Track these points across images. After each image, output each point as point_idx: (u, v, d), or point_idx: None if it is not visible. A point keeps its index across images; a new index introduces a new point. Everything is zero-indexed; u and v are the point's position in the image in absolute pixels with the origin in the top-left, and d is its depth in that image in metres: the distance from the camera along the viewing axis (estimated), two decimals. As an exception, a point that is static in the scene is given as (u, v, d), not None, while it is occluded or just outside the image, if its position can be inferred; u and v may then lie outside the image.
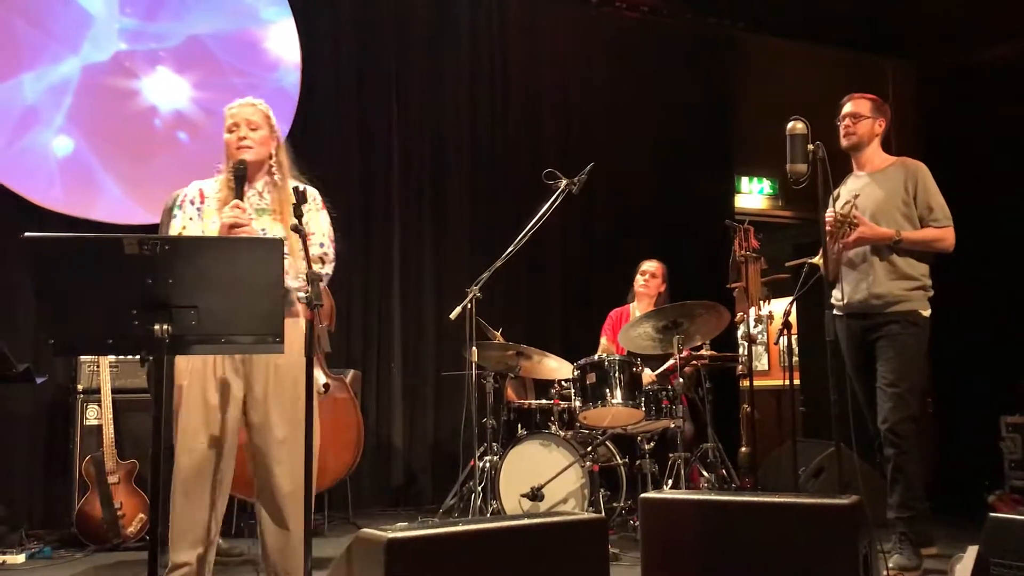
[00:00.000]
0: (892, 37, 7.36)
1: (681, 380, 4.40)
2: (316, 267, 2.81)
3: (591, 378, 4.38)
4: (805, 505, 2.59)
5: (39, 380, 3.81)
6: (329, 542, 4.50)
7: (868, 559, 2.55)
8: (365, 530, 2.12)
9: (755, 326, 5.32)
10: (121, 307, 2.15)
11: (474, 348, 4.21)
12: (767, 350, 8.78)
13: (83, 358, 4.58)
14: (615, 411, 4.33)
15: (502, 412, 4.79)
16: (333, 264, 3.07)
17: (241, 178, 2.86)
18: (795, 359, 5.83)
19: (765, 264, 5.16)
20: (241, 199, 2.83)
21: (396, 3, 6.20)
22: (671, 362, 4.47)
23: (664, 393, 4.41)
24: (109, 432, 4.38)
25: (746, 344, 5.02)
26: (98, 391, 4.48)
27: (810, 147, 3.28)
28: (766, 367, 8.89)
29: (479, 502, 4.39)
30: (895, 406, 3.65)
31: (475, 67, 6.45)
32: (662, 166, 6.93)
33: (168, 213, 3.57)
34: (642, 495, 2.81)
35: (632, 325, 4.42)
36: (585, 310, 6.39)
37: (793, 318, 5.17)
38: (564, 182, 4.32)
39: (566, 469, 4.24)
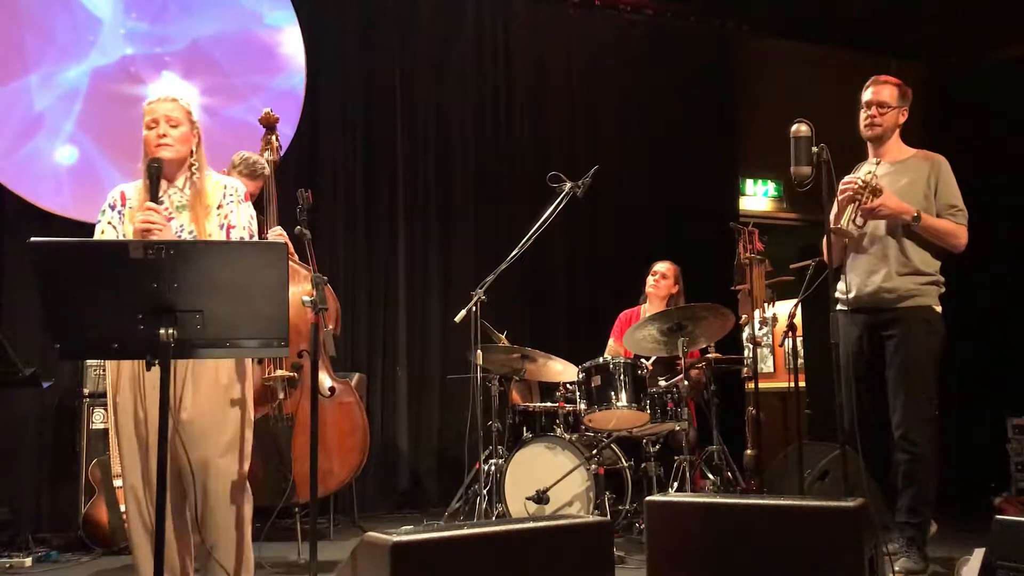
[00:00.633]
0: (897, 38, 7.35)
1: (686, 383, 4.39)
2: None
3: (596, 381, 4.38)
4: (811, 508, 2.58)
5: (45, 384, 3.81)
6: (334, 545, 4.51)
7: (874, 562, 2.55)
8: (370, 533, 2.12)
9: (760, 328, 5.31)
10: (127, 311, 2.16)
11: (479, 351, 4.21)
12: (772, 352, 8.76)
13: (89, 362, 4.59)
14: (620, 414, 4.32)
15: (507, 415, 4.79)
16: None
17: (155, 177, 2.77)
18: (800, 361, 5.82)
19: (770, 266, 5.15)
20: (156, 199, 2.75)
21: (401, 7, 6.21)
22: (680, 376, 4.46)
23: (669, 396, 4.41)
24: (115, 436, 4.38)
25: (751, 346, 5.00)
26: (104, 395, 4.48)
27: (814, 149, 3.26)
28: (771, 369, 8.87)
29: (484, 505, 4.39)
30: (909, 410, 3.57)
31: (480, 70, 6.46)
32: (666, 168, 6.93)
33: None
34: (647, 498, 2.80)
35: (637, 327, 4.41)
36: (590, 313, 6.40)
37: (798, 320, 5.17)
38: (568, 185, 4.32)
39: (571, 472, 4.24)
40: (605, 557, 2.43)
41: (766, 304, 5.14)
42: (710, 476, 4.75)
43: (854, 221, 3.61)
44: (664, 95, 6.98)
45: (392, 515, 5.64)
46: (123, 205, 2.88)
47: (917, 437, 3.57)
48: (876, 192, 3.58)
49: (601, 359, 4.46)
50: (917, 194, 3.67)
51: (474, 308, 4.21)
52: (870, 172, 3.68)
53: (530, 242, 4.33)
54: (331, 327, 4.54)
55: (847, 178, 3.64)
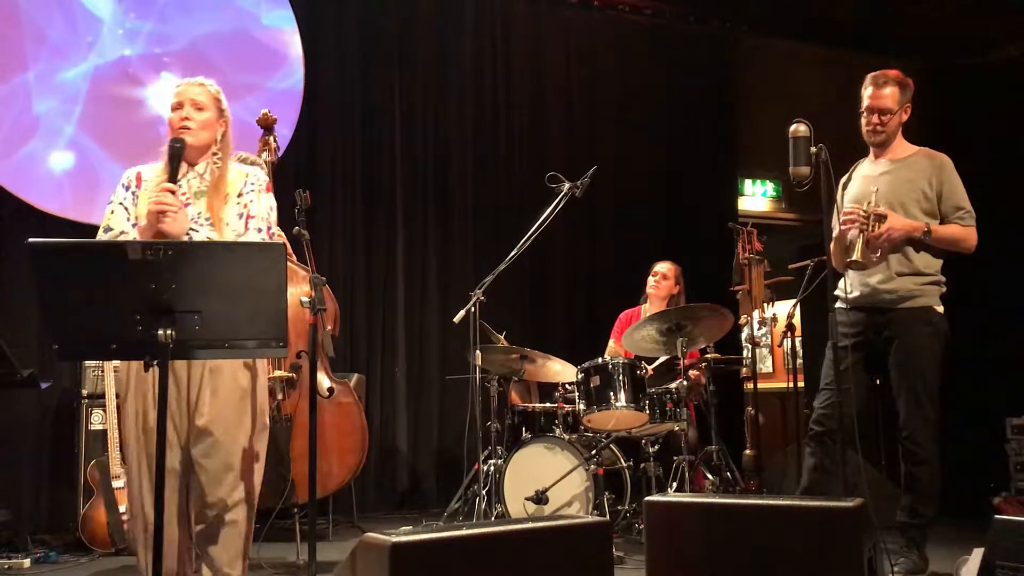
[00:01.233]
0: (897, 38, 7.35)
1: (685, 383, 4.39)
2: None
3: (595, 381, 4.37)
4: (810, 508, 2.58)
5: (44, 385, 3.81)
6: (333, 546, 4.50)
7: (873, 562, 2.55)
8: (369, 534, 2.12)
9: (759, 328, 5.32)
10: (125, 312, 2.15)
11: (478, 352, 4.21)
12: (771, 352, 8.77)
13: (88, 363, 4.59)
14: (619, 414, 4.32)
15: (506, 415, 4.79)
16: None
17: (176, 157, 2.69)
18: (799, 361, 5.83)
19: (768, 266, 5.16)
20: (174, 180, 2.66)
21: (400, 8, 6.21)
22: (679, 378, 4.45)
23: (668, 396, 4.41)
24: (114, 437, 4.39)
25: (750, 347, 5.01)
26: (103, 396, 4.49)
27: (813, 150, 3.26)
28: (770, 370, 8.87)
29: (484, 506, 4.39)
30: (913, 411, 3.55)
31: (479, 70, 6.46)
32: (666, 169, 6.94)
33: None
34: (647, 498, 2.80)
35: (636, 328, 4.41)
36: (589, 313, 6.40)
37: (797, 320, 5.19)
38: (567, 185, 4.32)
39: (570, 472, 4.24)
40: (604, 557, 2.43)
41: (765, 304, 5.16)
42: (709, 476, 4.75)
43: (869, 250, 3.51)
44: (663, 95, 6.98)
45: (391, 516, 5.63)
46: (138, 186, 2.80)
47: (922, 438, 3.56)
48: (880, 218, 3.51)
49: (600, 359, 4.46)
50: (916, 192, 3.61)
51: (473, 309, 4.20)
52: (869, 202, 3.57)
53: (529, 242, 4.33)
54: (330, 328, 4.53)
55: (848, 208, 3.56)
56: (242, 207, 2.82)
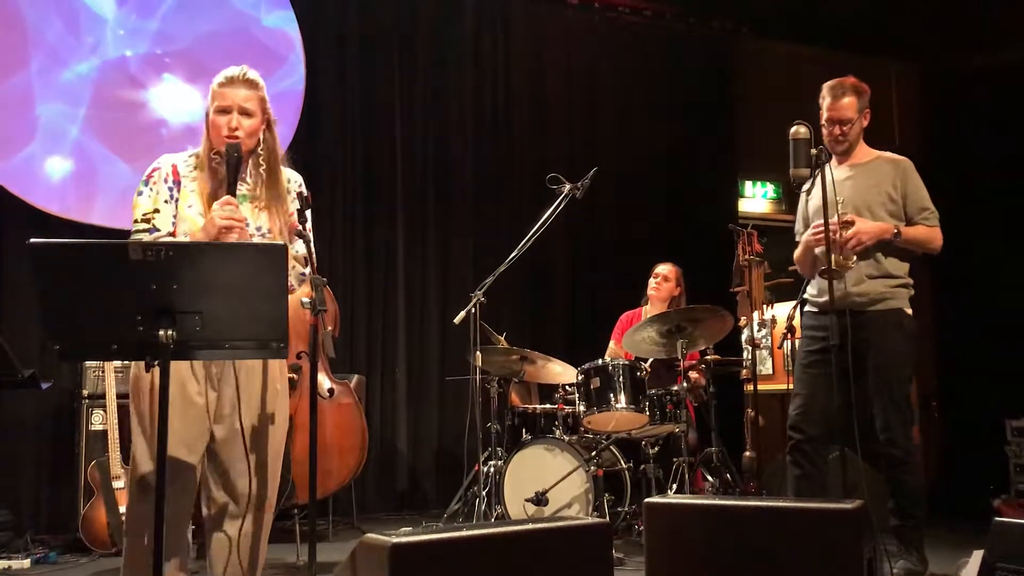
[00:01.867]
0: (897, 40, 7.36)
1: (685, 385, 4.39)
2: (300, 268, 2.69)
3: (595, 383, 4.38)
4: (810, 510, 2.59)
5: (44, 386, 3.79)
6: (333, 547, 4.51)
7: (873, 564, 2.55)
8: (369, 535, 2.12)
9: (759, 330, 5.32)
10: (126, 312, 2.15)
11: (478, 353, 4.21)
12: (771, 354, 8.76)
13: (88, 363, 4.60)
14: (619, 416, 4.32)
15: (506, 417, 4.79)
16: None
17: (235, 167, 2.57)
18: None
19: (768, 268, 5.16)
20: (234, 192, 2.55)
21: (400, 8, 6.22)
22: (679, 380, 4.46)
23: (668, 398, 4.41)
24: (114, 437, 4.39)
25: (750, 348, 5.01)
26: (103, 396, 4.49)
27: (813, 151, 3.27)
28: (770, 371, 8.86)
29: (483, 507, 4.40)
30: (892, 414, 3.56)
31: (479, 71, 6.47)
32: (666, 170, 6.94)
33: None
34: (646, 500, 2.80)
35: (636, 329, 4.41)
36: (589, 314, 6.41)
37: (797, 322, 5.17)
38: (568, 187, 4.33)
39: (570, 474, 4.24)
40: (604, 559, 2.43)
41: (765, 306, 5.16)
42: (709, 478, 4.75)
43: (844, 257, 3.53)
44: (663, 97, 6.99)
45: (391, 516, 5.64)
46: (176, 181, 2.65)
47: (901, 439, 3.57)
48: (847, 224, 3.53)
49: (600, 361, 4.46)
50: (882, 196, 3.64)
51: (473, 310, 4.21)
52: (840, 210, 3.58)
53: (529, 243, 4.33)
54: (330, 329, 4.55)
55: (818, 223, 3.55)
56: (288, 214, 2.72)
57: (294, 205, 2.77)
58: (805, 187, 3.82)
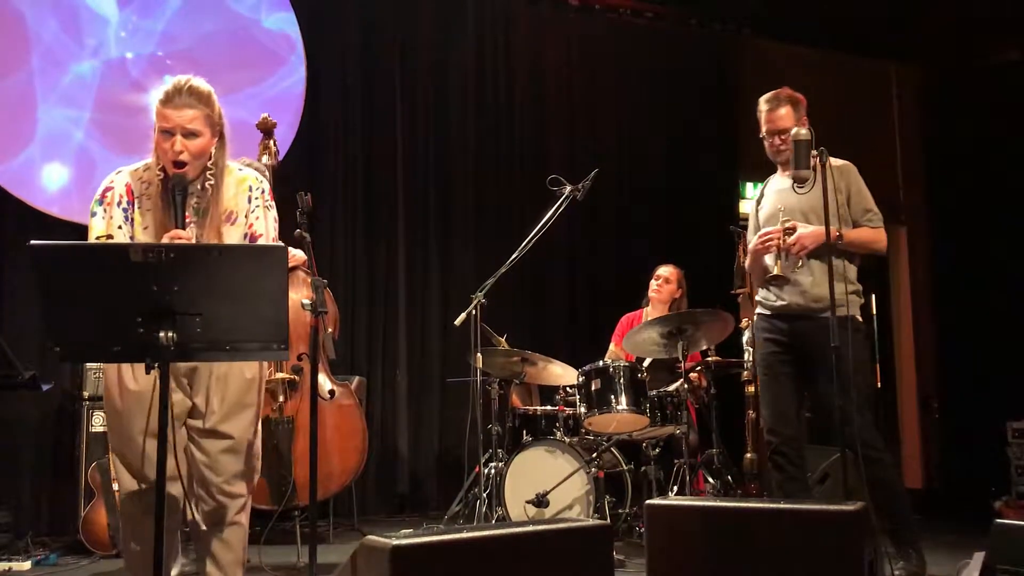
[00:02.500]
0: (897, 41, 7.36)
1: (686, 386, 4.39)
2: None
3: (596, 384, 4.38)
4: (810, 511, 2.58)
5: (45, 387, 3.81)
6: (334, 549, 4.50)
7: (874, 565, 2.55)
8: (370, 537, 2.12)
9: (760, 332, 5.30)
10: (126, 314, 2.15)
11: (479, 354, 4.21)
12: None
13: (89, 365, 4.59)
14: (620, 417, 4.32)
15: (507, 418, 4.79)
16: None
17: (183, 200, 2.55)
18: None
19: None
20: (182, 223, 2.53)
21: (401, 10, 6.22)
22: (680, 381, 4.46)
23: (669, 399, 4.41)
24: (115, 439, 4.38)
25: (751, 350, 5.00)
26: (103, 398, 4.49)
27: (814, 153, 3.27)
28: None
29: (484, 508, 4.39)
30: (862, 417, 3.53)
31: (480, 72, 6.47)
32: (666, 172, 6.94)
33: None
34: (647, 501, 2.80)
35: (637, 331, 4.41)
36: (590, 316, 6.40)
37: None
38: (569, 188, 4.32)
39: (571, 475, 4.24)
40: (605, 560, 2.43)
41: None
42: (710, 479, 4.75)
43: (786, 263, 3.60)
44: (664, 98, 6.99)
45: (392, 518, 5.63)
46: (130, 201, 2.62)
47: (871, 439, 3.55)
48: (789, 231, 3.58)
49: (601, 362, 4.46)
50: (830, 203, 3.60)
51: (474, 311, 4.21)
52: (779, 218, 3.66)
53: (530, 245, 4.33)
54: (331, 330, 4.54)
55: (764, 231, 3.65)
56: (247, 227, 2.70)
57: (254, 204, 2.72)
58: (756, 196, 3.94)
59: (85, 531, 4.32)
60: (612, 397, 4.32)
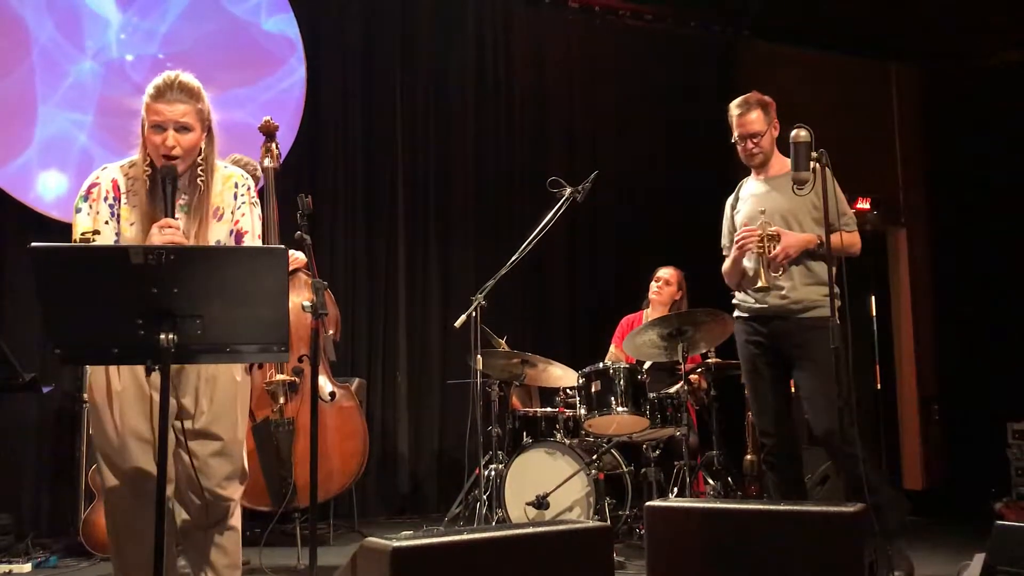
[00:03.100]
0: (897, 42, 7.36)
1: (686, 388, 4.39)
2: None
3: (596, 386, 4.38)
4: (811, 513, 2.58)
5: (45, 389, 3.82)
6: (334, 550, 4.50)
7: (874, 567, 2.55)
8: (370, 538, 2.12)
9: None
10: (127, 316, 2.16)
11: (479, 356, 4.21)
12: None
13: (89, 367, 4.59)
14: (620, 419, 4.32)
15: (507, 420, 4.79)
16: None
17: (172, 190, 2.53)
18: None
19: (770, 271, 5.15)
20: (172, 214, 2.52)
21: (401, 12, 6.22)
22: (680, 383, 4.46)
23: (669, 401, 4.41)
24: (115, 441, 4.38)
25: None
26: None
27: (814, 154, 3.27)
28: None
29: (484, 510, 4.39)
30: (846, 418, 3.50)
31: (480, 75, 6.47)
32: (666, 173, 6.94)
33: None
34: (647, 503, 2.81)
35: (637, 333, 4.41)
36: (590, 318, 6.40)
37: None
38: (568, 190, 4.33)
39: (571, 477, 4.24)
40: (605, 562, 2.43)
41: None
42: (710, 481, 4.75)
43: (771, 271, 3.62)
44: (664, 100, 6.99)
45: (392, 520, 5.63)
46: (116, 197, 2.62)
47: (853, 437, 3.54)
48: (774, 239, 3.60)
49: (601, 364, 4.46)
50: (807, 204, 3.68)
51: (474, 313, 4.21)
52: (761, 221, 3.67)
53: (530, 247, 4.33)
54: (331, 332, 4.55)
55: (742, 231, 3.67)
56: (232, 224, 2.70)
57: (240, 200, 2.71)
58: (730, 200, 4.00)
59: (85, 533, 4.32)
60: (612, 399, 4.33)
